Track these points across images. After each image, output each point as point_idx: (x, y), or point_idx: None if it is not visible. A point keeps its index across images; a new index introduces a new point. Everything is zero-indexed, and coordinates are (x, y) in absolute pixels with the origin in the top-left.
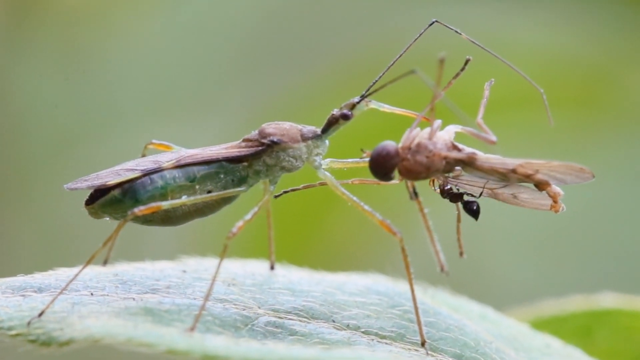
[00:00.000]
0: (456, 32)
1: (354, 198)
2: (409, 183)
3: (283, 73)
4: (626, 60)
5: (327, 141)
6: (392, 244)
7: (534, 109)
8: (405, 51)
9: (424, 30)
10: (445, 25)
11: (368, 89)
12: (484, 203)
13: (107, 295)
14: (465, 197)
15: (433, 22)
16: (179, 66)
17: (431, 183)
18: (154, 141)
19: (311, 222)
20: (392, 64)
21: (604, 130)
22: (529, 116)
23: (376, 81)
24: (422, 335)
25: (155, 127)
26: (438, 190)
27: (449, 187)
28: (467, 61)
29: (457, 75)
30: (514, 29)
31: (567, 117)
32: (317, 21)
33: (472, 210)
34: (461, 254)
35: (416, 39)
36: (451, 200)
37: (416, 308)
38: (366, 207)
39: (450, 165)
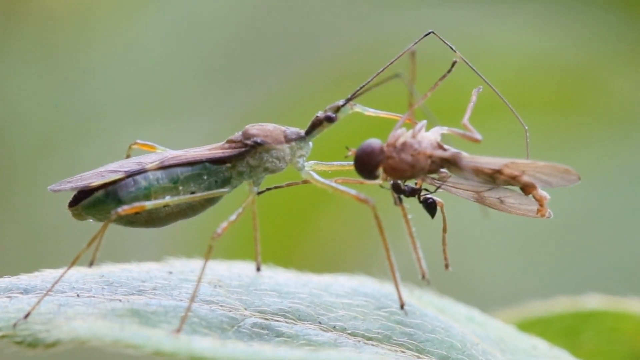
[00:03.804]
0: (451, 48)
1: (332, 183)
2: (394, 192)
3: (270, 75)
4: (609, 63)
5: (310, 143)
6: (379, 246)
7: (520, 114)
8: (397, 59)
9: (419, 40)
10: (441, 39)
11: (354, 93)
12: (472, 207)
13: (94, 296)
14: (423, 193)
15: (429, 33)
16: (164, 68)
17: (384, 179)
18: (138, 141)
19: (298, 223)
20: (382, 70)
21: (587, 133)
22: (513, 120)
23: (363, 86)
24: (400, 299)
25: (141, 129)
26: (390, 186)
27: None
28: (453, 63)
29: (444, 77)
30: (500, 33)
31: (550, 120)
32: (304, 24)
33: (429, 205)
34: (447, 266)
35: (409, 48)
36: (407, 196)
37: (392, 270)
38: (340, 188)
39: (435, 164)
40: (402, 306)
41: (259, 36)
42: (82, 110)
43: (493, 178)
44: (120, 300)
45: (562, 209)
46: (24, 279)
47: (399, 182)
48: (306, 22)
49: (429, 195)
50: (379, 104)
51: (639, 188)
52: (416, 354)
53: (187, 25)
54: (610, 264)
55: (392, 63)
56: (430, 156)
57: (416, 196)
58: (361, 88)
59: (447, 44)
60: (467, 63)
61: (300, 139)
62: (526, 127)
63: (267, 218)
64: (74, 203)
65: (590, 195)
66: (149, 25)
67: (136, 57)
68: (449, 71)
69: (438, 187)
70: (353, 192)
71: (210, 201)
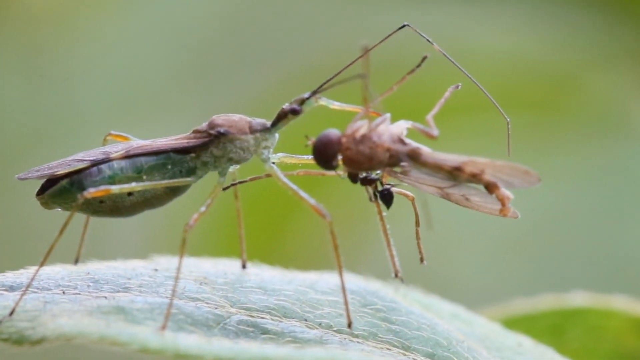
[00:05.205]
0: (428, 40)
1: (293, 186)
2: (370, 189)
3: (249, 74)
4: (587, 65)
5: (276, 135)
6: (364, 243)
7: (498, 114)
8: (368, 52)
9: (392, 33)
10: (416, 31)
11: (320, 86)
12: (457, 206)
13: (79, 293)
14: (380, 184)
15: (403, 26)
16: (142, 68)
17: (345, 170)
18: (112, 132)
19: (283, 220)
20: (351, 64)
21: (568, 133)
22: (492, 120)
23: (330, 79)
24: (348, 317)
25: (122, 127)
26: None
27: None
28: (423, 58)
29: (412, 71)
30: (479, 34)
31: (530, 121)
32: (282, 24)
33: (384, 196)
34: (422, 259)
35: (382, 41)
36: (362, 184)
37: (344, 289)
38: (302, 194)
39: (394, 158)
40: (349, 325)
41: (238, 36)
42: (63, 108)
43: (454, 175)
44: (105, 298)
45: (547, 207)
46: (9, 276)
47: (354, 171)
48: (284, 22)
49: (387, 187)
50: (352, 98)
51: (621, 186)
52: (402, 351)
53: (167, 26)
54: (595, 262)
55: (362, 57)
56: (388, 149)
57: (372, 186)
58: (327, 82)
59: (423, 36)
60: (444, 55)
61: (265, 130)
62: (508, 120)
63: (252, 215)
64: (41, 192)
65: (575, 193)
66: (129, 25)
67: (115, 57)
68: (419, 65)
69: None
70: (312, 201)
71: (176, 191)
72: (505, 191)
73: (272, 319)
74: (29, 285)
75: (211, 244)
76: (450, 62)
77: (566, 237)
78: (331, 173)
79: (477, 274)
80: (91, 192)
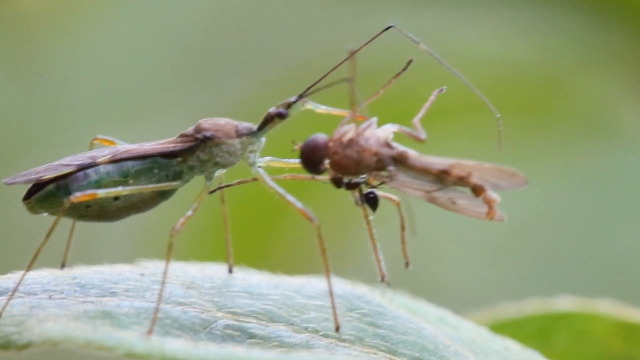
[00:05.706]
0: (413, 40)
1: (280, 190)
2: (356, 193)
3: (236, 78)
4: (576, 69)
5: (263, 138)
6: (350, 247)
7: (486, 117)
8: (352, 55)
9: (378, 35)
10: (402, 32)
11: (306, 90)
12: (443, 210)
13: (66, 298)
14: (365, 187)
15: (389, 27)
16: (131, 71)
17: (330, 175)
18: (98, 136)
19: (270, 225)
20: (336, 67)
21: (555, 137)
22: (480, 123)
23: (316, 83)
24: (336, 321)
25: (111, 130)
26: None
27: (340, 177)
28: (409, 62)
29: (398, 74)
30: (466, 38)
31: (518, 124)
32: (268, 28)
33: (369, 199)
34: (407, 264)
35: (367, 43)
36: (347, 189)
37: (331, 293)
38: (289, 198)
39: (381, 162)
40: (337, 329)
41: (226, 39)
42: (52, 111)
43: (441, 179)
44: (92, 302)
45: (533, 211)
46: None
47: (340, 176)
48: (272, 25)
49: (372, 190)
50: (339, 102)
51: (608, 190)
52: (389, 355)
53: (156, 29)
54: (581, 266)
55: (348, 59)
56: (375, 153)
57: (357, 190)
58: (313, 85)
59: (409, 36)
60: (431, 53)
61: (251, 134)
62: (498, 115)
63: (239, 219)
64: (27, 196)
65: (561, 197)
66: (118, 28)
67: (105, 60)
68: (404, 69)
69: (381, 183)
70: (300, 205)
71: (163, 195)
72: (492, 194)
73: (258, 324)
74: (15, 290)
75: (198, 248)
76: (437, 65)
77: (553, 241)
78: (319, 177)
79: (463, 278)
80: (78, 197)
